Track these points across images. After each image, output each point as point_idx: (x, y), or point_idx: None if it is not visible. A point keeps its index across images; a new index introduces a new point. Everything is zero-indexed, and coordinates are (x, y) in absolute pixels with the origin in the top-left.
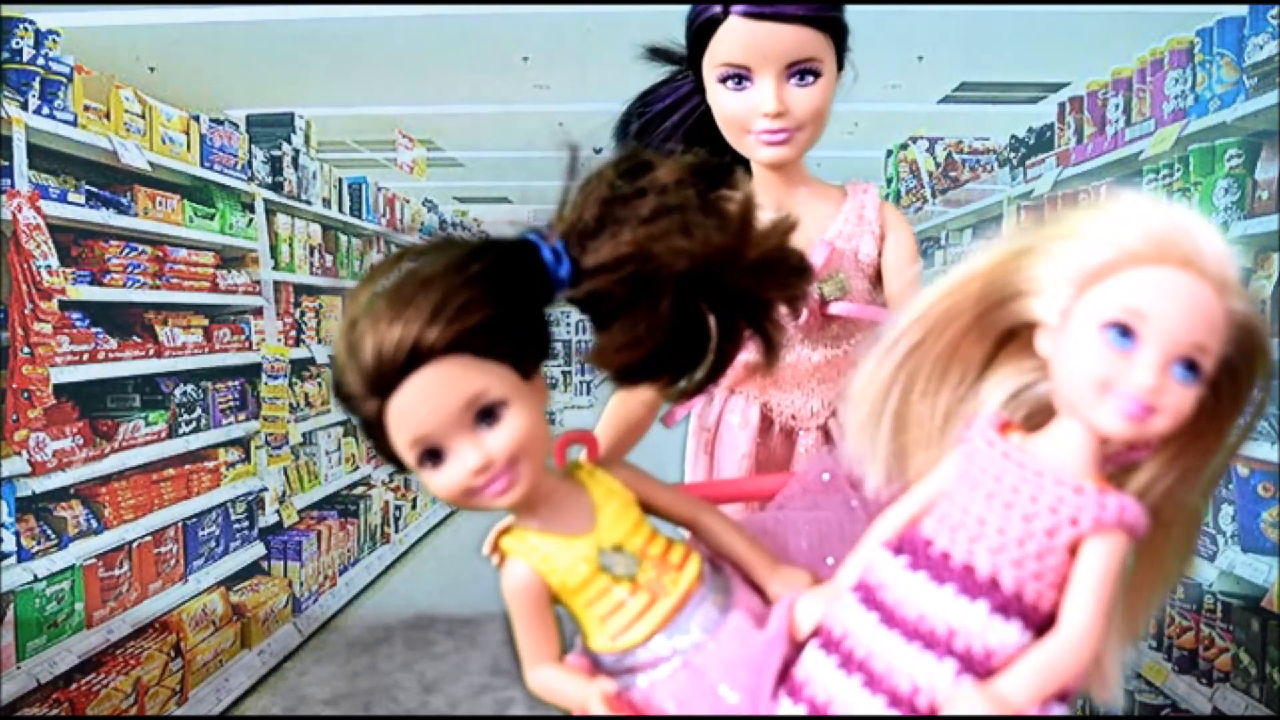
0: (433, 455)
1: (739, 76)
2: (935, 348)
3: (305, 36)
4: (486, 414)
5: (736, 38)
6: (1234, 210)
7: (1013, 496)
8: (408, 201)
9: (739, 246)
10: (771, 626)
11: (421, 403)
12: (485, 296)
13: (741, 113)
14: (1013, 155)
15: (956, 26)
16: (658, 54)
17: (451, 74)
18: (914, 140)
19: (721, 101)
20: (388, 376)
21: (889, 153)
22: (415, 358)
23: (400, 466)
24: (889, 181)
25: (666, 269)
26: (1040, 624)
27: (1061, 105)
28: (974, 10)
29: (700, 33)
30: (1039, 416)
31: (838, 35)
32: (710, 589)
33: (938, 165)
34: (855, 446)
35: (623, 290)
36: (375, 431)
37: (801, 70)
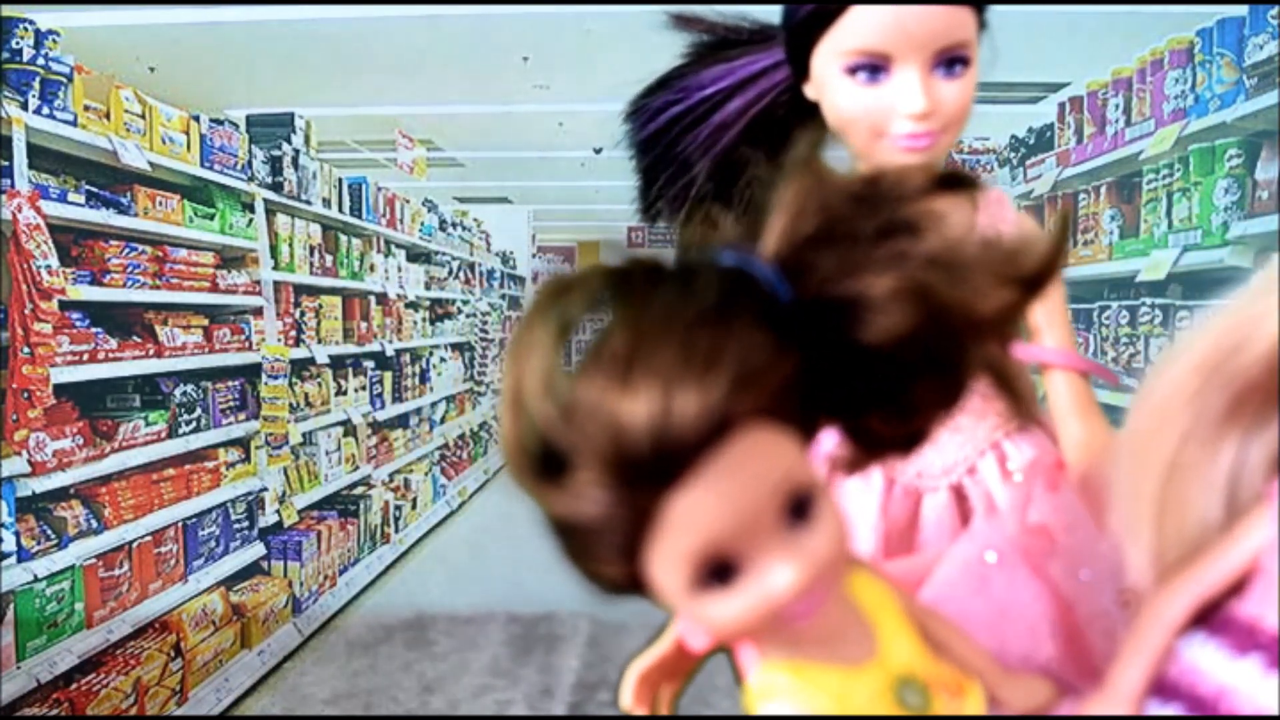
0: (721, 571)
1: (874, 67)
2: (1219, 399)
3: (305, 36)
4: (798, 506)
5: (878, 19)
6: (1234, 210)
7: None
8: (408, 201)
9: (1040, 281)
10: None
11: (722, 495)
12: (784, 343)
13: (878, 112)
14: (1013, 155)
15: None
16: (688, 23)
17: (451, 74)
18: None
19: (846, 98)
20: (673, 459)
21: None
22: (715, 432)
23: (623, 588)
24: None
25: (966, 307)
26: None
27: (1061, 105)
28: None
29: (822, 12)
30: None
31: (980, 13)
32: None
33: None
34: (1123, 520)
35: (923, 335)
36: (611, 539)
37: (951, 58)
